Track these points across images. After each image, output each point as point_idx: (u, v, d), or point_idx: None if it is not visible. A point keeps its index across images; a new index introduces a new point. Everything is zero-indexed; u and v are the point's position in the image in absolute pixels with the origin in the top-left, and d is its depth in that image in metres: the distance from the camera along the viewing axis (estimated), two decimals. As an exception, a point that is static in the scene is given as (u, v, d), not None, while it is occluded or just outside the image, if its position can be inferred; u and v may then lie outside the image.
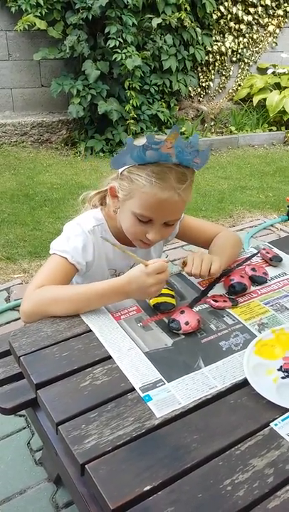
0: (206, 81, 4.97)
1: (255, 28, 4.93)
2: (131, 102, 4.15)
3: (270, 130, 4.90)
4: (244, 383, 0.87)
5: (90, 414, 0.80)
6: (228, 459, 0.74)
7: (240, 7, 4.70)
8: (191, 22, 4.28)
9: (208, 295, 1.09)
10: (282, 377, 0.87)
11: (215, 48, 4.79)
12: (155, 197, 1.01)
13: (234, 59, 5.01)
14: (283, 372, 0.89)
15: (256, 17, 4.87)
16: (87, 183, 3.66)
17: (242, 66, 5.11)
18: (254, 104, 4.89)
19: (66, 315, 1.01)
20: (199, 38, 4.44)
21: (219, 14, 4.64)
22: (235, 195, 3.62)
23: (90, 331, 0.98)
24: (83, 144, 4.28)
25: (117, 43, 3.95)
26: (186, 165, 1.02)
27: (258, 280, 1.14)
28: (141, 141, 0.98)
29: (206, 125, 4.86)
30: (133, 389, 0.85)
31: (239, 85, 5.17)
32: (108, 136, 4.30)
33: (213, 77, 4.99)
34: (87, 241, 1.13)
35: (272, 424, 0.79)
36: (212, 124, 4.90)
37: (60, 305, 1.01)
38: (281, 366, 0.90)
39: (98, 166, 4.05)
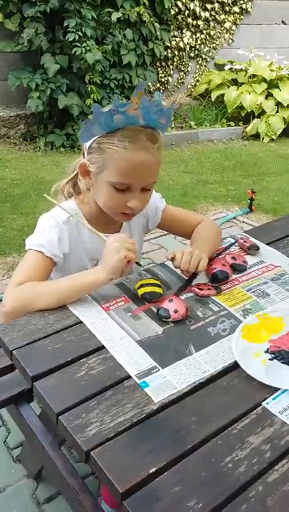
0: (165, 76, 5.02)
1: (212, 24, 5.02)
2: (92, 96, 4.12)
3: (229, 125, 5.01)
4: (234, 366, 0.90)
5: (90, 403, 0.81)
6: (226, 438, 0.77)
7: (197, 3, 4.76)
8: (150, 17, 4.30)
9: (193, 284, 1.12)
10: (270, 359, 0.92)
11: (173, 43, 4.84)
12: (131, 161, 1.01)
13: (192, 55, 5.08)
14: (270, 354, 0.93)
15: (213, 13, 4.95)
16: (50, 178, 3.61)
17: (200, 62, 5.19)
18: (212, 100, 4.98)
19: (49, 308, 1.01)
20: (158, 33, 4.47)
21: (177, 10, 4.69)
22: (198, 189, 3.69)
23: (81, 322, 0.99)
24: (43, 139, 4.22)
25: (77, 37, 3.92)
26: (153, 126, 1.04)
27: (238, 268, 1.18)
28: (107, 108, 1.00)
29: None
30: (129, 376, 0.87)
31: (197, 81, 5.25)
32: (69, 131, 4.26)
33: (172, 72, 5.04)
34: (63, 232, 1.12)
35: (264, 403, 0.83)
36: (172, 119, 4.94)
37: (43, 300, 1.01)
38: (268, 349, 0.94)
39: (59, 161, 4.01)
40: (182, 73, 5.14)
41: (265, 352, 0.93)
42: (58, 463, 1.11)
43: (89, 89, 4.11)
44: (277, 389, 0.86)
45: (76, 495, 1.06)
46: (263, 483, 0.70)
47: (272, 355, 0.92)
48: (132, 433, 0.77)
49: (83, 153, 1.11)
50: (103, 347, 0.93)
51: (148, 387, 0.84)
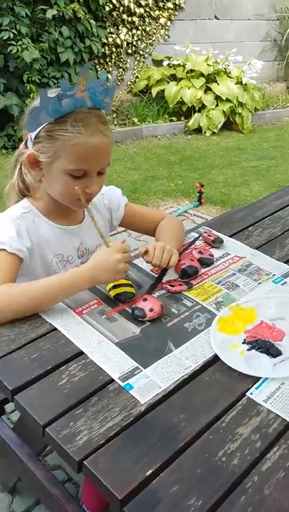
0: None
1: (147, 20, 5.02)
2: (31, 95, 4.02)
3: (171, 120, 5.05)
4: (214, 359, 0.91)
5: (75, 411, 0.79)
6: (216, 431, 0.78)
7: (131, -1, 4.76)
8: (85, 14, 4.24)
9: (163, 281, 1.11)
10: (248, 349, 0.93)
11: (110, 40, 4.81)
12: (86, 145, 1.00)
13: (130, 51, 5.07)
14: (247, 344, 0.94)
15: (147, 9, 4.96)
16: (-7, 181, 3.49)
17: (138, 58, 5.19)
18: (153, 96, 5.00)
19: (28, 314, 0.97)
20: (94, 30, 4.41)
21: (112, 6, 4.65)
22: (147, 185, 3.69)
23: (55, 329, 0.96)
24: (-18, 141, 4.07)
25: (11, 35, 3.79)
26: (99, 107, 1.04)
27: (206, 262, 1.19)
28: (53, 92, 0.98)
29: (108, 117, 4.87)
30: (112, 380, 0.85)
31: (137, 77, 5.24)
32: (9, 131, 4.13)
33: (110, 69, 5.00)
34: (19, 226, 1.07)
35: (248, 394, 0.84)
36: (114, 116, 4.92)
37: (21, 305, 0.96)
38: (245, 339, 0.95)
39: (2, 164, 3.88)
40: (121, 70, 5.12)
41: (243, 343, 0.95)
42: (38, 474, 1.08)
43: (28, 88, 4.00)
44: (258, 378, 0.87)
45: (61, 505, 1.03)
46: (258, 473, 0.71)
47: (250, 345, 0.94)
48: (123, 437, 0.75)
49: (25, 144, 1.07)
50: (82, 352, 0.90)
51: (133, 389, 0.83)
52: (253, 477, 0.71)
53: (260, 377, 0.87)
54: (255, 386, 0.86)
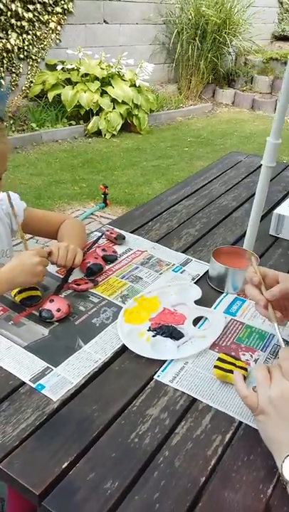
0: (-3, 79, 4.84)
1: (37, 25, 4.97)
2: None
3: (70, 124, 5.05)
4: (123, 350, 0.95)
5: (-13, 419, 0.78)
6: (127, 416, 0.81)
7: (18, 4, 4.68)
8: None
9: (69, 281, 1.13)
10: (153, 336, 0.98)
11: (0, 45, 4.69)
12: None
13: (22, 56, 4.98)
14: (152, 331, 1.00)
15: (36, 14, 4.91)
16: None
17: (30, 63, 5.12)
18: (50, 100, 4.96)
19: None
20: (-18, 34, 4.29)
21: (-2, 10, 4.55)
22: (52, 190, 3.67)
23: None
24: None
25: None
26: None
27: (109, 259, 1.23)
28: None
29: (5, 124, 4.75)
30: (23, 383, 0.86)
31: (31, 82, 5.17)
32: None
33: (3, 74, 4.88)
34: None
35: (155, 377, 0.89)
36: (11, 122, 4.81)
37: None
38: (149, 327, 1.01)
39: None
40: (14, 75, 5.01)
41: (148, 330, 1.00)
42: None
43: None
44: (164, 361, 0.93)
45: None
46: (168, 448, 0.76)
47: (155, 332, 0.99)
48: (38, 436, 0.76)
49: None
50: (-10, 360, 0.90)
51: (44, 388, 0.84)
52: (164, 452, 0.75)
53: (166, 360, 0.93)
54: (162, 369, 0.91)
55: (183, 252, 1.31)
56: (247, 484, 0.71)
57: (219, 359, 0.90)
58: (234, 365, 0.88)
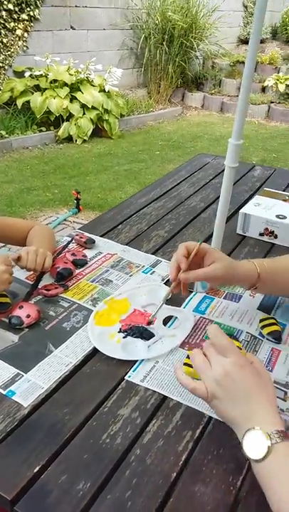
0: None
1: (3, 32, 4.94)
2: None
3: (41, 131, 5.03)
4: (94, 352, 0.96)
5: None
6: (99, 418, 0.82)
7: (-17, 11, 4.64)
8: None
9: (39, 286, 1.13)
10: (124, 337, 0.99)
11: None
12: None
13: (-12, 63, 4.95)
14: (123, 332, 1.01)
15: (2, 21, 4.88)
16: None
17: (-2, 70, 5.08)
18: (19, 107, 4.93)
19: None
20: None
21: None
22: (23, 197, 3.65)
23: None
24: None
25: None
26: None
27: (79, 263, 1.23)
28: None
29: (-26, 132, 4.70)
30: (-7, 390, 0.85)
31: (-1, 89, 5.13)
32: None
33: None
34: None
35: (126, 377, 0.90)
36: (-20, 130, 4.76)
37: None
38: (120, 328, 1.02)
39: None
40: (-18, 83, 4.98)
41: (119, 332, 1.01)
42: None
43: None
44: (135, 362, 0.94)
45: None
46: (140, 447, 0.77)
47: (125, 333, 1.00)
48: (9, 442, 0.76)
49: None
50: None
51: (15, 394, 0.84)
52: (135, 451, 0.76)
53: (137, 360, 0.94)
54: (133, 369, 0.92)
55: (153, 254, 1.33)
56: (217, 477, 0.72)
57: (188, 357, 0.92)
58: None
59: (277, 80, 6.68)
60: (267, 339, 1.00)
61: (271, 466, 0.63)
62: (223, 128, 5.91)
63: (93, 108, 5.04)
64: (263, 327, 1.02)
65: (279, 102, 6.70)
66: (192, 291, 1.16)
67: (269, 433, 0.64)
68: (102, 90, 5.24)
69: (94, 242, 1.34)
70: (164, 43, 6.29)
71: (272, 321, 1.03)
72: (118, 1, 6.10)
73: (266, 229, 1.40)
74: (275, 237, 1.40)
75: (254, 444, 0.64)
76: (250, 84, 1.07)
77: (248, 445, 0.65)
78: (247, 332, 1.02)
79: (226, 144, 1.14)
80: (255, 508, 0.68)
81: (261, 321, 1.04)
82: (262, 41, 7.78)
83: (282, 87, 6.61)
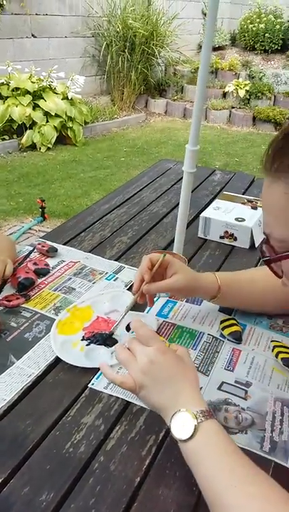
0: None
1: None
2: None
3: (3, 139, 4.97)
4: (57, 362, 0.95)
5: None
6: (62, 427, 0.82)
7: None
8: None
9: (0, 298, 1.12)
10: (87, 345, 0.99)
11: None
12: None
13: None
14: (86, 340, 1.01)
15: None
16: None
17: None
18: (-20, 116, 4.86)
19: None
20: None
21: None
22: (-13, 207, 3.59)
23: None
24: None
25: None
26: None
27: (41, 272, 1.22)
28: None
29: None
30: None
31: None
32: None
33: None
34: None
35: (89, 385, 0.90)
36: None
37: None
38: (83, 336, 1.01)
39: None
40: None
41: (82, 340, 1.00)
42: None
43: None
44: (98, 369, 0.93)
45: None
46: (104, 453, 0.77)
47: (89, 341, 1.00)
48: None
49: None
50: None
51: (-24, 408, 0.83)
52: (99, 458, 0.76)
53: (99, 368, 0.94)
54: (96, 376, 0.92)
55: (116, 260, 1.33)
56: (180, 479, 0.73)
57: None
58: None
59: (238, 85, 6.83)
60: (228, 340, 1.02)
61: (198, 445, 0.66)
62: (187, 133, 5.96)
63: (56, 116, 5.02)
64: (223, 328, 1.04)
65: (240, 107, 6.85)
66: (155, 296, 1.16)
67: (195, 413, 0.67)
68: (66, 98, 5.23)
69: (56, 250, 1.34)
70: (126, 51, 6.33)
71: (233, 321, 1.06)
72: (79, 9, 6.11)
73: (226, 232, 1.43)
74: (235, 239, 1.43)
75: (182, 425, 0.68)
76: (205, 93, 1.10)
77: (176, 427, 0.68)
78: (208, 334, 1.04)
79: (187, 149, 1.16)
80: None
81: (222, 322, 1.06)
82: (221, 48, 7.96)
83: (242, 93, 6.76)
